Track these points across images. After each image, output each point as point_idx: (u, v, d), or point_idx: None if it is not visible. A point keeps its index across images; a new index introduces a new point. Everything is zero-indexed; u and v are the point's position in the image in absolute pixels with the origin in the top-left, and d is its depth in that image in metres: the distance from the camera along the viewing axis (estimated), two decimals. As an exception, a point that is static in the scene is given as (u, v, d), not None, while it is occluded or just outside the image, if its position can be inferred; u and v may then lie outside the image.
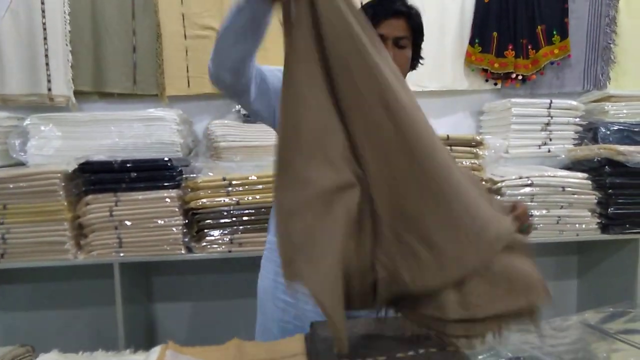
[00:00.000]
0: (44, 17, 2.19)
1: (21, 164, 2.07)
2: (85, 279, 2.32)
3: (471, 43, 2.53)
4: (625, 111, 2.39)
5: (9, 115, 2.16)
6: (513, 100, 2.37)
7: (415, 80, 2.48)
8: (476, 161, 2.09)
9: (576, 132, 2.43)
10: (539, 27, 2.53)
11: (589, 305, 1.24)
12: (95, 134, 2.08)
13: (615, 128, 2.34)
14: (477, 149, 2.10)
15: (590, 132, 2.42)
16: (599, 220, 2.19)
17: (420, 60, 1.35)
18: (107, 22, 2.26)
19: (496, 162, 2.33)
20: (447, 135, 2.07)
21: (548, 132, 2.39)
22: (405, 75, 1.30)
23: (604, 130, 2.34)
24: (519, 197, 2.09)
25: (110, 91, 2.31)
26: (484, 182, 2.07)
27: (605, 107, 2.37)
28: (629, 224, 2.19)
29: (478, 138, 2.13)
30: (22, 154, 2.07)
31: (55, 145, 2.07)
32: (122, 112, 2.13)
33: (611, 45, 2.59)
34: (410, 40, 1.27)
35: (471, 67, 2.55)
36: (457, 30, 2.53)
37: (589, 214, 2.17)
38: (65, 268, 2.09)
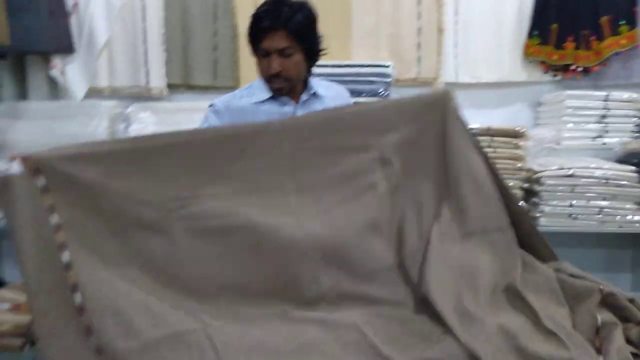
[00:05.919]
0: (144, 21, 2.62)
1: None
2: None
3: (530, 35, 2.55)
4: (691, 104, 2.31)
5: (117, 104, 2.61)
6: (567, 92, 2.39)
7: (471, 71, 2.58)
8: (517, 151, 2.18)
9: (637, 125, 2.39)
10: (603, 17, 2.49)
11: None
12: (183, 121, 2.46)
13: (678, 121, 2.28)
14: (518, 140, 2.18)
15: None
16: (645, 214, 2.16)
17: (322, 52, 1.44)
18: (194, 25, 2.64)
19: (549, 153, 2.38)
20: (488, 127, 2.18)
21: (604, 125, 2.38)
22: (305, 74, 1.44)
23: (664, 124, 2.29)
24: (559, 187, 2.14)
25: (195, 84, 2.70)
26: (524, 172, 2.17)
27: (670, 100, 2.31)
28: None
29: (518, 129, 2.21)
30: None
31: (151, 130, 2.49)
32: (204, 102, 2.48)
33: (685, 34, 2.48)
34: (297, 45, 1.35)
35: (529, 59, 2.58)
36: (515, 21, 2.57)
37: (635, 206, 2.16)
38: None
